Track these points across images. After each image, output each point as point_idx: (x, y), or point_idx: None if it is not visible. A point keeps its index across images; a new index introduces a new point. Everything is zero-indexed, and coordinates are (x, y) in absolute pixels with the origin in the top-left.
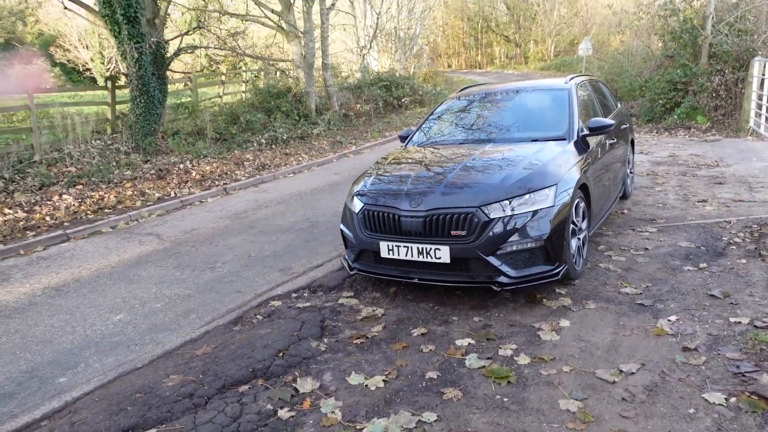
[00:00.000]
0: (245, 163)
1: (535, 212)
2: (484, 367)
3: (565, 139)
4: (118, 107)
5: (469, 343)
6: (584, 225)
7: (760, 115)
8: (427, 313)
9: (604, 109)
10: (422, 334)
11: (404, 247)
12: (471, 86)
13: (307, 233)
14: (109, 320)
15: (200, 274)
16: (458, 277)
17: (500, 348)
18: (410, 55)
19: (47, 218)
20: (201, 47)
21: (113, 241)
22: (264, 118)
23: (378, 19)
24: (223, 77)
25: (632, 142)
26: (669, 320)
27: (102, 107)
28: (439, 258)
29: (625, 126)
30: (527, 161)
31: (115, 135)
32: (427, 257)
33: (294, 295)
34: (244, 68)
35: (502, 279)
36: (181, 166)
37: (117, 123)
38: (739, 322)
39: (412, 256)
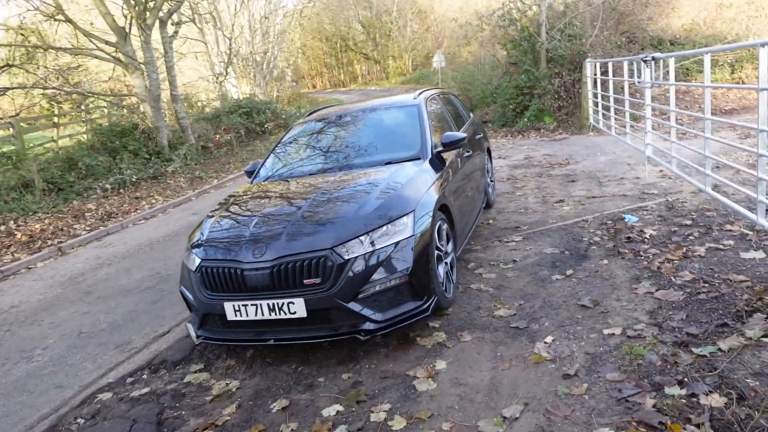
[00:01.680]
0: (87, 214)
1: (395, 244)
2: None
3: (420, 158)
4: None
5: (338, 412)
6: (450, 247)
7: (597, 111)
8: (290, 377)
9: (456, 121)
10: (283, 408)
11: (252, 305)
12: (318, 109)
13: (154, 292)
14: None
15: (10, 370)
16: (319, 332)
17: (372, 412)
18: (270, 78)
19: None
20: (14, 88)
21: None
22: (108, 160)
23: (231, 44)
24: (56, 119)
25: (488, 150)
26: (545, 342)
27: None
28: (294, 313)
29: (479, 136)
30: (382, 187)
31: None
32: (280, 314)
33: (130, 379)
34: (85, 107)
35: (368, 326)
36: (2, 228)
37: None
38: (613, 334)
39: (263, 314)
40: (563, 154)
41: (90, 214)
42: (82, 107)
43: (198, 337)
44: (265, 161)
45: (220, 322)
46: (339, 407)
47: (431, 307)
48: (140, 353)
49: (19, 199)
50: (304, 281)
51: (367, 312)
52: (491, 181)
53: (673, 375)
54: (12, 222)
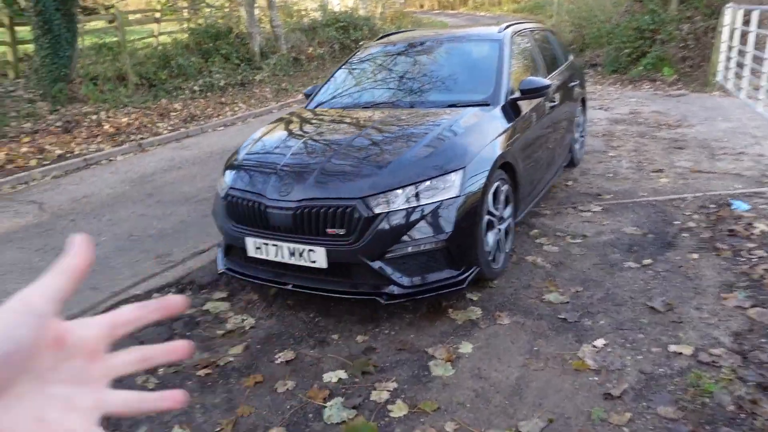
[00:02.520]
0: (172, 113)
1: (436, 204)
2: (344, 422)
3: (489, 104)
4: (21, 47)
5: (339, 379)
6: (508, 212)
7: (728, 68)
8: (305, 327)
9: (548, 63)
10: (288, 361)
11: (273, 246)
12: (390, 33)
13: (209, 205)
14: None
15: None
16: (338, 286)
17: (375, 388)
18: None
19: None
20: None
21: None
22: (200, 62)
23: None
24: (158, 14)
25: (584, 101)
26: (594, 347)
27: (2, 47)
28: (315, 262)
29: (574, 83)
30: (434, 135)
31: (18, 80)
32: (300, 260)
33: (156, 295)
34: (185, 3)
35: (392, 289)
36: (94, 117)
37: (20, 66)
38: (680, 354)
39: (283, 257)
40: (676, 113)
41: (175, 114)
42: (185, 4)
43: (222, 267)
44: (323, 85)
45: (243, 256)
46: (343, 374)
47: (468, 279)
48: (175, 268)
49: (114, 90)
50: (327, 230)
51: (392, 274)
52: (581, 136)
53: (745, 429)
54: (103, 113)
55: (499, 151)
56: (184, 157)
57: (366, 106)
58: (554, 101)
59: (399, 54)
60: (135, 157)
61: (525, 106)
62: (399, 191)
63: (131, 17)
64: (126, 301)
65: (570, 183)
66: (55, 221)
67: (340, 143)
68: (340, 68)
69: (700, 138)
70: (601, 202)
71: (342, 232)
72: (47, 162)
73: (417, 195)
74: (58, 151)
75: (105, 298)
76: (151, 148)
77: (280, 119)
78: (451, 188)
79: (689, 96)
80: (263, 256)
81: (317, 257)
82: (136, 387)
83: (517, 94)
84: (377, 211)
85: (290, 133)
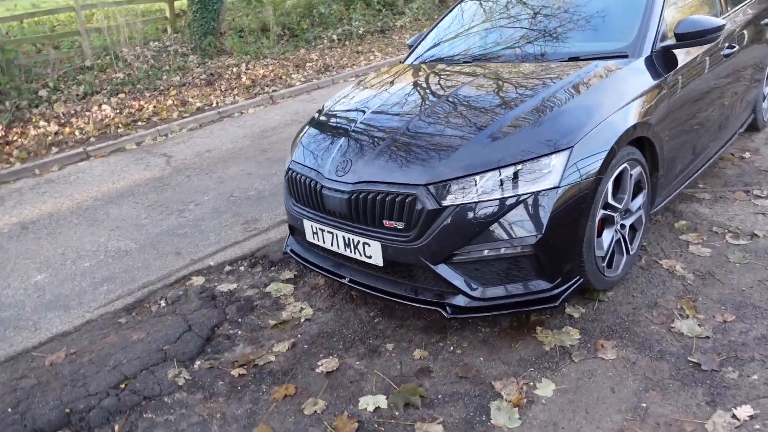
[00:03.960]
0: (308, 64)
1: (522, 198)
2: None
3: (627, 56)
4: (177, 4)
5: (376, 408)
6: (638, 203)
7: None
8: (361, 328)
9: None
10: (328, 372)
11: (329, 233)
12: None
13: None
14: (27, 281)
15: (165, 219)
16: (397, 289)
17: (414, 428)
18: None
19: (76, 132)
20: None
21: (124, 163)
22: (341, 9)
23: None
24: None
25: None
26: (735, 418)
27: (161, 4)
28: (370, 257)
29: (766, 21)
30: (536, 102)
31: (175, 35)
32: (355, 252)
33: (228, 268)
34: None
35: (459, 300)
36: (235, 69)
37: (177, 22)
38: None
39: (338, 246)
40: None
41: (311, 64)
42: None
43: (286, 246)
44: (425, 36)
45: (304, 240)
46: (383, 401)
47: (565, 296)
48: (258, 237)
49: (256, 42)
50: (384, 222)
51: (461, 282)
52: None
53: None
54: (244, 65)
55: (630, 122)
56: (309, 110)
57: (468, 60)
58: (733, 47)
59: None
60: (264, 109)
61: (684, 55)
62: (477, 177)
63: None
64: (201, 272)
65: (747, 155)
66: (174, 176)
67: (419, 109)
68: (447, 14)
69: None
70: None
71: (400, 225)
72: (187, 114)
73: (499, 184)
74: (198, 104)
75: (180, 267)
76: (281, 100)
77: (366, 78)
78: (548, 176)
79: None
80: (319, 243)
81: (373, 252)
82: (167, 382)
83: (671, 41)
84: (444, 203)
85: (366, 100)
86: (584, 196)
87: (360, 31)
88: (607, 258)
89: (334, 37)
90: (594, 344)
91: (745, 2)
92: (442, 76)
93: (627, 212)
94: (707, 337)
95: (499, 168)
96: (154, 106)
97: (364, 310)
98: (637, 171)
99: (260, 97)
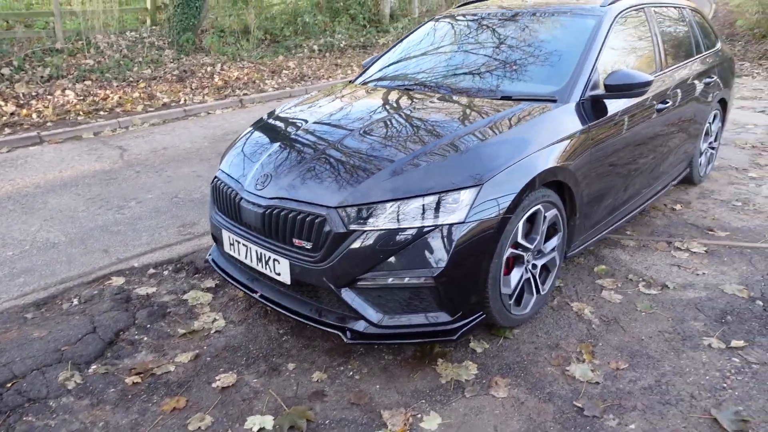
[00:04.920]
0: (284, 71)
1: (427, 230)
2: None
3: (556, 101)
4: None
5: (261, 429)
6: (552, 244)
7: None
8: (268, 344)
9: (673, 52)
10: (223, 389)
11: (244, 245)
12: (469, 2)
13: None
14: None
15: (102, 214)
16: (302, 308)
17: None
18: None
19: (33, 115)
20: None
21: (77, 152)
22: (325, 21)
23: None
24: None
25: (724, 103)
26: None
27: None
28: (279, 275)
29: (709, 80)
30: (455, 137)
31: (153, 27)
32: (265, 268)
33: (151, 271)
34: None
35: (359, 326)
36: (209, 68)
37: (158, 15)
38: None
39: (251, 260)
40: None
41: (287, 72)
42: None
43: (209, 255)
44: (378, 58)
45: (223, 250)
46: (269, 422)
47: (464, 330)
48: (190, 242)
49: (235, 43)
50: (294, 240)
51: (363, 308)
52: (710, 148)
53: None
54: (219, 65)
55: (546, 165)
56: None
57: (409, 87)
58: (667, 102)
59: (468, 28)
60: (232, 112)
61: (613, 106)
62: (384, 206)
63: None
64: (122, 272)
65: (678, 207)
66: (123, 170)
67: (344, 132)
68: (402, 40)
69: None
70: (708, 241)
71: (309, 246)
72: (152, 109)
73: (406, 214)
74: (165, 99)
75: (107, 264)
76: (251, 105)
77: (311, 96)
78: (454, 211)
79: None
80: (235, 255)
81: (282, 270)
82: (56, 385)
83: (601, 91)
84: (352, 227)
85: (308, 112)
86: (491, 233)
87: (342, 44)
88: (515, 296)
89: (315, 47)
90: (489, 381)
91: (689, 60)
92: (378, 101)
93: (539, 253)
94: (597, 382)
95: (406, 198)
96: (120, 97)
97: (275, 327)
98: (551, 213)
99: (230, 99)
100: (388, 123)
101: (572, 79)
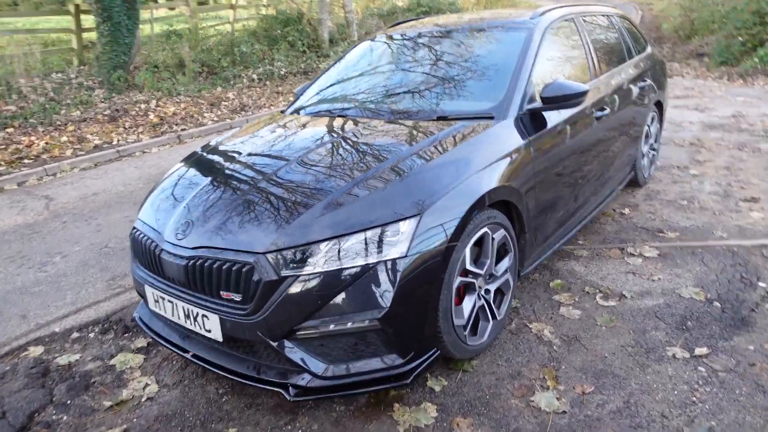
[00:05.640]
0: (223, 103)
1: (367, 269)
2: None
3: (493, 117)
4: (85, 35)
5: None
6: (504, 266)
7: None
8: (207, 408)
9: (605, 59)
10: None
11: (169, 301)
12: (400, 22)
13: None
14: None
15: (22, 274)
16: (239, 366)
17: None
18: None
19: None
20: None
21: None
22: (263, 49)
23: None
24: (234, 0)
25: (660, 105)
26: None
27: (68, 34)
28: (209, 331)
29: (643, 84)
30: (394, 162)
31: (82, 67)
32: (194, 325)
33: (75, 334)
34: None
35: (303, 380)
36: (143, 106)
37: (85, 54)
38: None
39: (178, 318)
40: None
41: (226, 103)
42: None
43: (136, 313)
44: (310, 85)
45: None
46: None
47: (418, 371)
48: (119, 297)
49: (170, 78)
50: (222, 293)
51: (304, 360)
52: (651, 150)
53: None
54: (154, 102)
55: (490, 186)
56: None
57: (341, 114)
58: (604, 109)
59: (401, 48)
60: (169, 149)
61: (553, 118)
62: (316, 247)
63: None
64: (41, 340)
65: (627, 211)
66: (49, 222)
67: (272, 168)
68: (334, 64)
69: None
70: (659, 243)
71: (238, 298)
72: (82, 152)
73: (342, 253)
74: (97, 141)
75: (24, 332)
76: (189, 140)
77: (247, 125)
78: (394, 245)
79: None
80: (161, 312)
81: (212, 326)
82: None
83: (538, 104)
84: (283, 273)
85: (234, 147)
86: (436, 264)
87: (282, 72)
88: (470, 325)
89: (255, 76)
90: (450, 423)
91: (621, 66)
92: (310, 130)
93: (491, 277)
94: (564, 411)
95: (342, 236)
96: (47, 143)
97: (213, 387)
98: (500, 234)
99: (167, 135)
100: (321, 153)
101: (508, 95)
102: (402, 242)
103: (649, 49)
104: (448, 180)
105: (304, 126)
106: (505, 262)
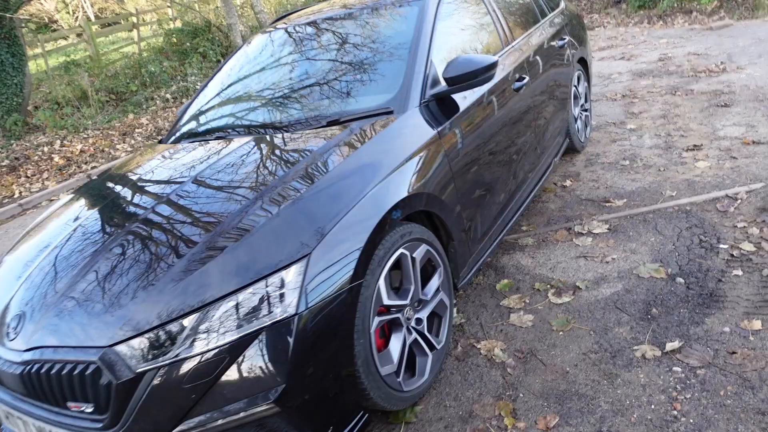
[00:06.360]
0: (136, 130)
1: (247, 341)
2: None
3: (392, 111)
4: None
5: None
6: (433, 287)
7: None
8: None
9: (514, 22)
10: None
11: (18, 418)
12: (288, 13)
13: None
14: None
15: None
16: None
17: None
18: None
19: None
20: None
21: None
22: (174, 66)
23: None
24: (134, 19)
25: (584, 62)
26: None
27: None
28: None
29: (561, 42)
30: (272, 191)
31: None
32: None
33: None
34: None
35: None
36: (46, 149)
37: None
38: None
39: None
40: (719, 52)
41: (140, 130)
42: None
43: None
44: (189, 104)
45: None
46: None
47: None
48: None
49: (74, 113)
50: (69, 405)
51: None
52: (583, 111)
53: None
54: (59, 142)
55: (397, 197)
56: None
57: (220, 136)
58: (523, 78)
59: (282, 47)
60: None
61: (463, 99)
62: (176, 326)
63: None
64: None
65: (568, 183)
66: None
67: (122, 229)
68: (213, 76)
69: (754, 86)
70: (608, 215)
71: (90, 408)
72: None
73: (209, 329)
74: None
75: None
76: None
77: (115, 167)
78: (280, 301)
79: (735, 26)
80: (14, 429)
81: None
82: None
83: (441, 86)
84: (140, 368)
85: (84, 206)
86: (341, 312)
87: (197, 86)
88: (406, 366)
89: (168, 95)
90: None
91: (534, 28)
92: (179, 164)
93: (420, 303)
94: None
95: (206, 306)
96: None
97: None
98: (422, 251)
99: (76, 177)
100: (183, 196)
101: (405, 82)
102: (289, 296)
103: (562, 4)
104: (340, 203)
105: (172, 160)
106: (435, 281)
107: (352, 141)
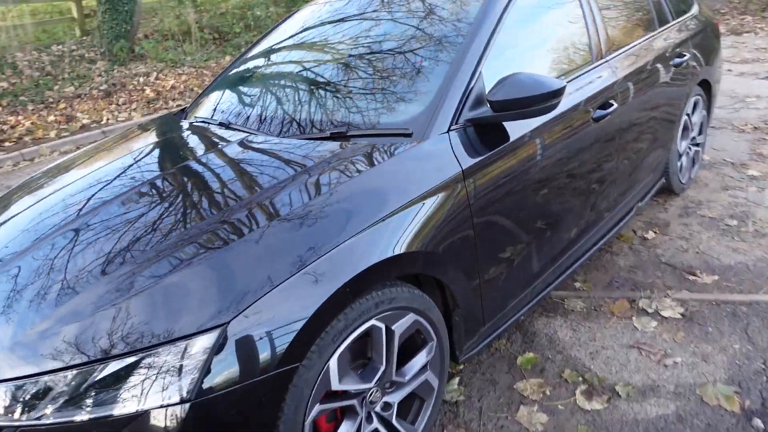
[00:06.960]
0: None
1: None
2: None
3: (410, 134)
4: (85, 1)
5: None
6: (416, 365)
7: None
8: None
9: (626, 28)
10: None
11: None
12: None
13: None
14: None
15: None
16: None
17: None
18: None
19: None
20: None
21: None
22: (280, 12)
23: None
24: None
25: (708, 85)
26: None
27: (68, 3)
28: None
29: (679, 61)
30: (208, 233)
31: (84, 38)
32: None
33: None
34: None
35: None
36: (142, 79)
37: (86, 23)
38: None
39: None
40: None
41: None
42: None
43: None
44: (223, 72)
45: None
46: None
47: None
48: None
49: (175, 48)
50: None
51: None
52: (694, 144)
53: None
54: (155, 74)
55: (381, 254)
56: None
57: (230, 124)
58: (610, 105)
59: (322, 31)
60: None
61: (516, 128)
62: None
63: None
64: None
65: (651, 234)
66: None
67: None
68: (251, 47)
69: None
70: (687, 295)
71: None
72: (67, 133)
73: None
74: (85, 120)
75: None
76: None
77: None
78: (173, 382)
79: None
80: None
81: None
82: None
83: (482, 110)
84: None
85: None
86: (259, 401)
87: None
88: None
89: None
90: None
91: (644, 39)
92: (194, 146)
93: (393, 385)
94: None
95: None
96: (33, 123)
97: None
98: (405, 323)
99: (161, 113)
100: (85, 228)
101: (438, 97)
102: (185, 377)
103: (695, 8)
104: (291, 256)
105: (190, 139)
106: (421, 358)
107: (343, 168)
